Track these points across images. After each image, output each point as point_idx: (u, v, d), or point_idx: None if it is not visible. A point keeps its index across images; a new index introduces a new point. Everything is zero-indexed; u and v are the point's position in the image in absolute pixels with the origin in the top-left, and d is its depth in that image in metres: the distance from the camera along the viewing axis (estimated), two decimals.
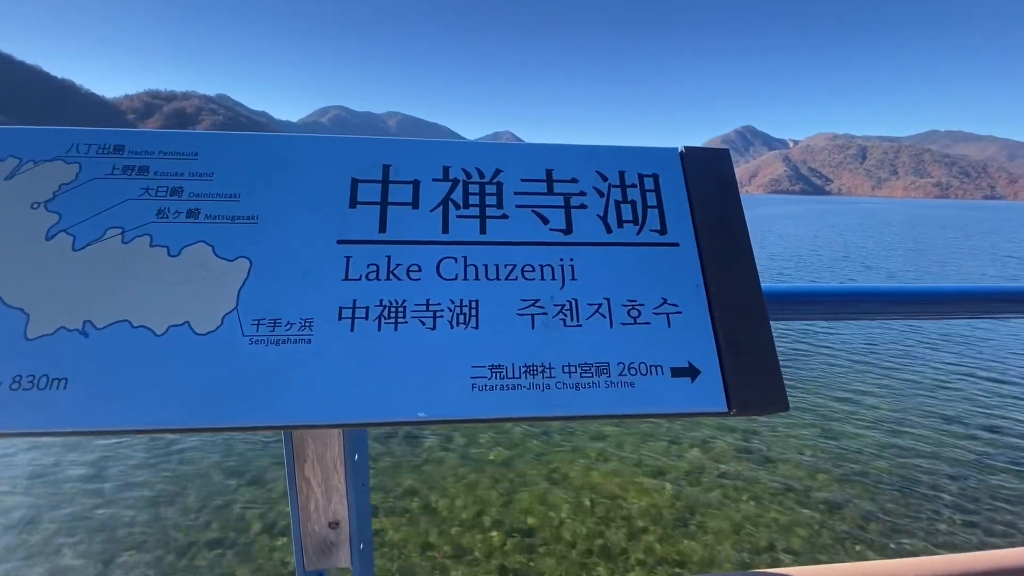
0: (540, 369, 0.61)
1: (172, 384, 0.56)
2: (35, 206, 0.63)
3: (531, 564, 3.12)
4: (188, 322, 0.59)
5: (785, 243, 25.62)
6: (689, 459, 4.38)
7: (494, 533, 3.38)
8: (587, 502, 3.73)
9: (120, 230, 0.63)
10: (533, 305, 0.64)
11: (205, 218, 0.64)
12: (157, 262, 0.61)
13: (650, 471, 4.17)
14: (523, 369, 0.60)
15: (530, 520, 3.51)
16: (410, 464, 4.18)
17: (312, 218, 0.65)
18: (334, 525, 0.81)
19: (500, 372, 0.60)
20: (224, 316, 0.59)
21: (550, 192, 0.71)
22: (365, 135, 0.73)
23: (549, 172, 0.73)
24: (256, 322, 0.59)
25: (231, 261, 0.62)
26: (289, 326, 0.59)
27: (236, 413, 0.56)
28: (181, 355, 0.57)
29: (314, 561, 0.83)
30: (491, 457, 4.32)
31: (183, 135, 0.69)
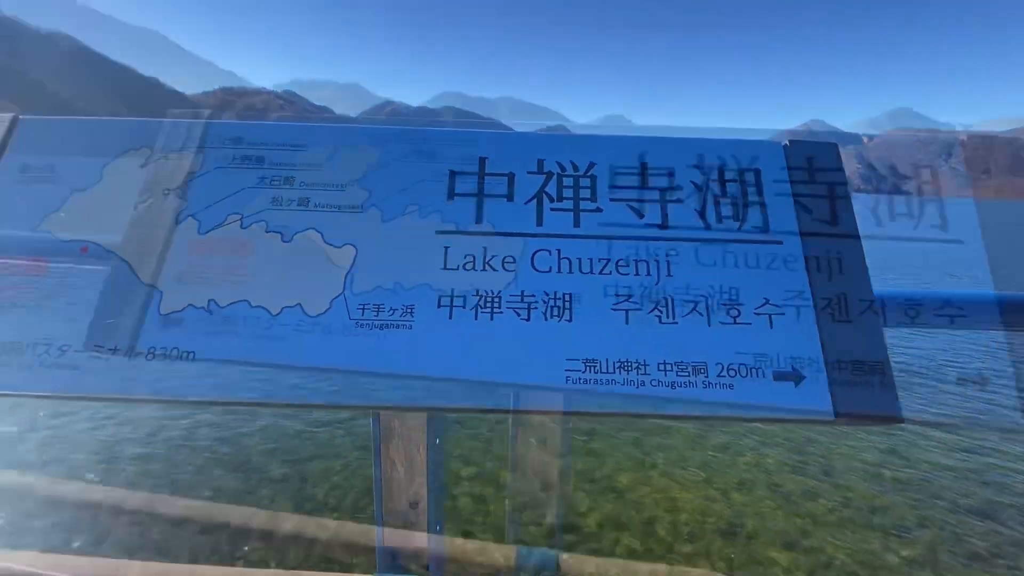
0: (635, 366, 0.60)
1: (283, 362, 0.60)
2: (166, 192, 0.69)
3: None
4: (300, 304, 0.62)
5: None
6: (740, 469, 4.20)
7: None
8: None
9: (239, 216, 0.67)
10: (627, 300, 0.63)
11: (315, 206, 0.68)
12: (272, 247, 0.65)
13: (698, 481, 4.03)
14: (617, 365, 0.60)
15: None
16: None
17: (412, 208, 0.68)
18: (413, 505, 0.84)
19: (594, 367, 0.60)
20: (332, 300, 0.62)
21: (645, 185, 0.70)
22: (478, 119, 0.75)
23: (644, 164, 0.71)
24: (362, 307, 0.62)
25: (339, 248, 0.65)
26: (392, 312, 0.62)
27: (336, 391, 0.59)
28: (293, 335, 0.61)
29: (393, 539, 0.86)
30: None
31: (294, 127, 0.73)
